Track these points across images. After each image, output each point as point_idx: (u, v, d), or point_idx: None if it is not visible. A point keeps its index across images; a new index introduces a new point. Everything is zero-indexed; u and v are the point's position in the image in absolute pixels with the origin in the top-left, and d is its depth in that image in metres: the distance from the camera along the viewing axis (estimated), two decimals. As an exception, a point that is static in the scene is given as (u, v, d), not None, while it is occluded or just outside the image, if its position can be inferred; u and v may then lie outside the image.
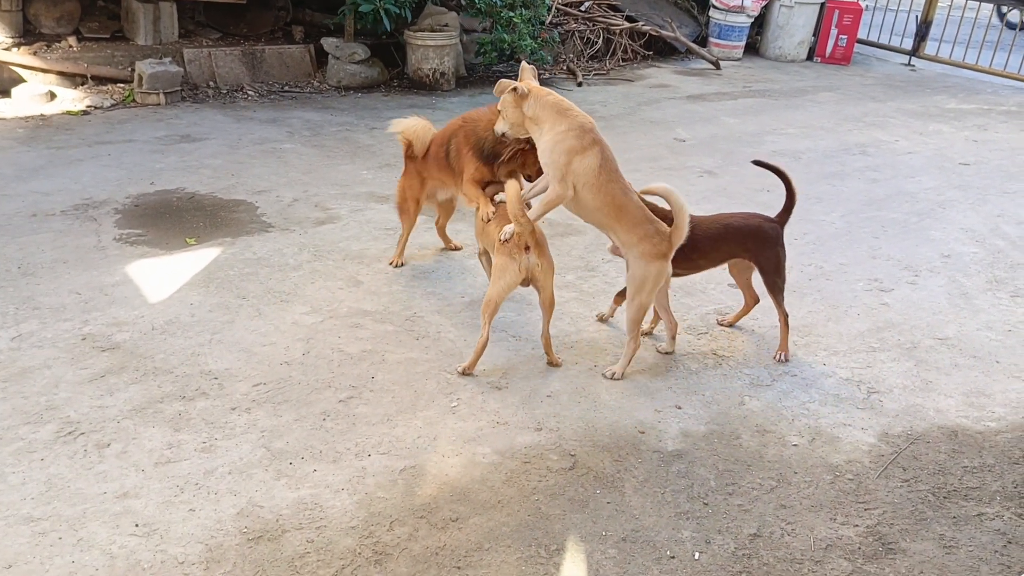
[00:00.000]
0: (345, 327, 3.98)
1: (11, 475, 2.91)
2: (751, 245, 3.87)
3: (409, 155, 4.49)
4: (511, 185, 3.50)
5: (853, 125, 8.06)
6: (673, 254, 3.59)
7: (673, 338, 3.97)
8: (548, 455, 3.21)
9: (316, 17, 8.63)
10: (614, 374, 3.73)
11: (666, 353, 3.95)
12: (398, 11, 7.59)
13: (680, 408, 3.56)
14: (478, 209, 4.02)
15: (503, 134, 3.75)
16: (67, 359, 3.61)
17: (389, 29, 7.68)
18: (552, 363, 3.81)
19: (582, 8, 9.98)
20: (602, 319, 4.20)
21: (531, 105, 3.56)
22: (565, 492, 3.02)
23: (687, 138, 7.24)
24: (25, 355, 3.61)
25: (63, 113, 6.74)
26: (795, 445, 3.38)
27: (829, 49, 10.84)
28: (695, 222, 3.63)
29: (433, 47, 7.93)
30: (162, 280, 4.30)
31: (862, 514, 3.03)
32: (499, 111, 3.70)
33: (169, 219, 5.02)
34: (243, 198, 5.37)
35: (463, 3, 8.62)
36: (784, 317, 3.98)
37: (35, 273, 4.29)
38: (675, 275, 3.74)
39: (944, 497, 3.16)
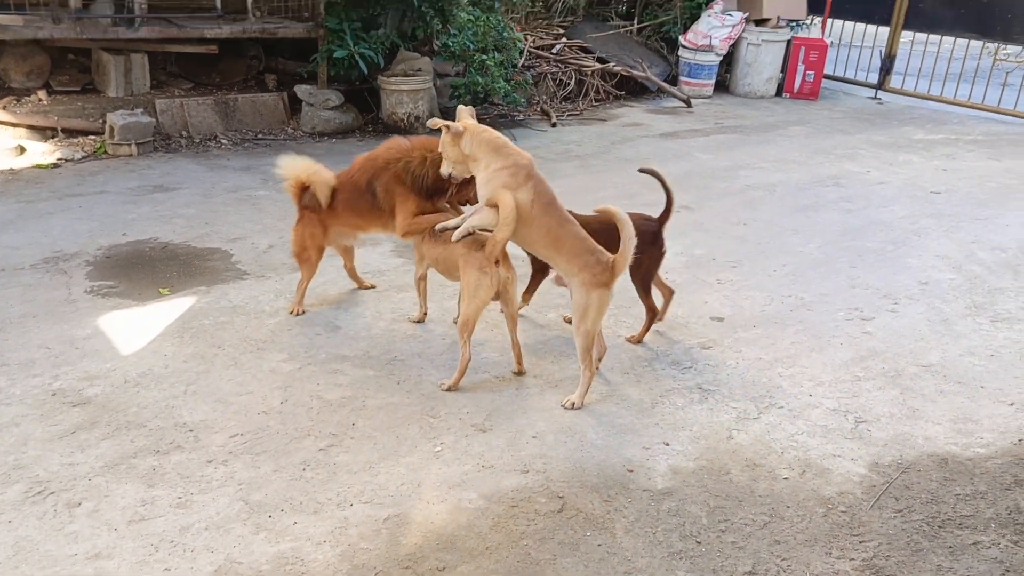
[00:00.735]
0: (324, 373, 3.89)
1: (-24, 539, 2.79)
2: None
3: (307, 204, 4.30)
4: (506, 195, 3.49)
5: (824, 158, 8.15)
6: (614, 282, 3.62)
7: (599, 359, 3.99)
8: (536, 498, 3.13)
9: (289, 65, 8.65)
10: (573, 404, 3.72)
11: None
12: (372, 55, 7.62)
13: (668, 444, 3.50)
14: (400, 234, 4.12)
15: (450, 175, 3.80)
16: (36, 416, 3.49)
17: (366, 73, 7.71)
18: (520, 372, 3.95)
19: (553, 51, 10.10)
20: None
21: (467, 142, 3.66)
22: (555, 535, 2.94)
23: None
24: (-8, 413, 3.49)
25: (33, 167, 6.65)
26: (786, 478, 3.33)
27: (797, 85, 11.03)
28: (579, 217, 3.79)
29: (407, 91, 7.97)
30: (135, 332, 4.20)
31: (857, 547, 2.97)
32: (439, 152, 3.77)
33: (142, 270, 4.93)
34: (217, 246, 5.30)
35: (436, 48, 8.69)
36: (650, 313, 4.27)
37: (3, 328, 4.17)
38: None
39: (939, 526, 3.11)
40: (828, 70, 11.46)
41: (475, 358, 4.02)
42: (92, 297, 4.55)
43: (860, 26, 11.71)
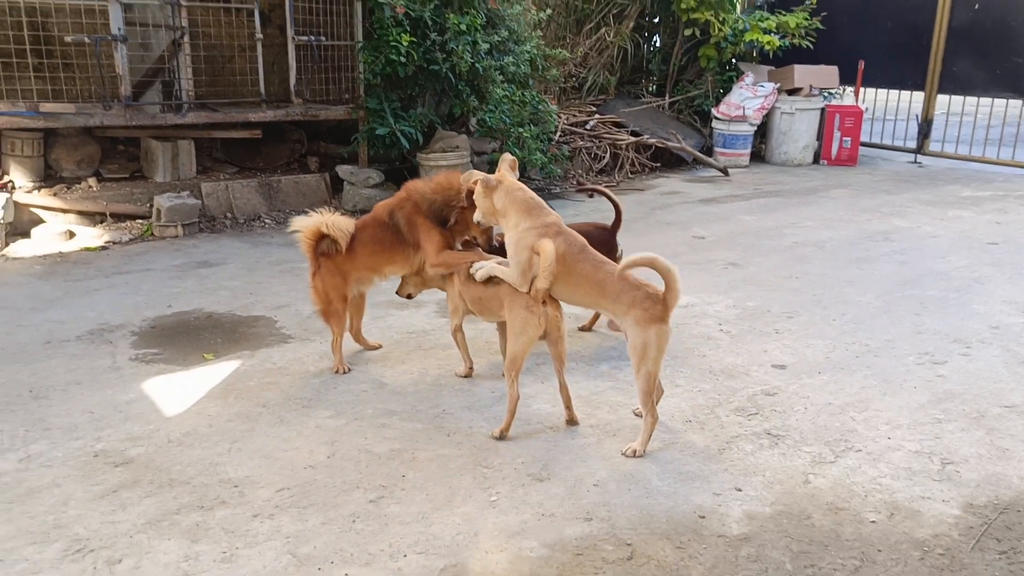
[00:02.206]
0: (371, 427, 3.74)
1: (11, 597, 2.64)
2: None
3: (324, 252, 4.25)
4: (547, 242, 3.45)
5: (871, 215, 7.99)
6: (670, 316, 3.42)
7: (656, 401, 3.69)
8: (602, 545, 2.90)
9: (330, 148, 8.82)
10: (635, 451, 3.49)
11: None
12: (412, 132, 7.75)
13: (740, 490, 3.26)
14: (454, 280, 4.03)
15: (478, 222, 3.87)
16: (77, 476, 3.37)
17: (408, 148, 7.82)
18: (572, 420, 3.74)
19: (587, 127, 10.21)
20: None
21: (500, 198, 3.67)
22: (626, 584, 2.70)
23: (705, 235, 7.18)
24: (33, 475, 3.38)
25: (82, 249, 6.74)
26: (873, 522, 3.06)
27: (834, 151, 10.97)
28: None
29: (446, 167, 8.01)
30: (179, 395, 4.10)
31: (963, 591, 2.68)
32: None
33: (186, 338, 4.88)
34: (262, 314, 5.25)
35: (472, 127, 8.82)
36: None
37: (47, 396, 4.11)
38: None
39: (1051, 568, 2.81)
40: (863, 139, 11.40)
41: (527, 410, 3.86)
42: (136, 364, 4.49)
43: (892, 96, 11.69)
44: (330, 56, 8.13)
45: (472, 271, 3.84)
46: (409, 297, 4.43)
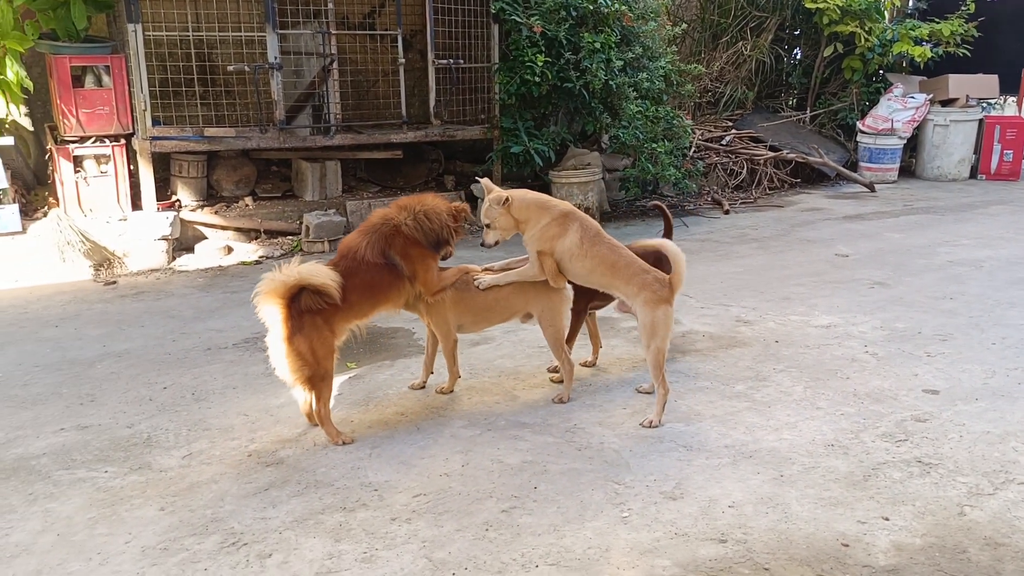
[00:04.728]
0: (504, 439, 3.81)
1: (175, 582, 2.85)
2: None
3: (307, 309, 3.69)
4: (546, 259, 3.98)
5: (1036, 233, 7.43)
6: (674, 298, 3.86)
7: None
8: (738, 568, 2.83)
9: (466, 167, 9.07)
10: (651, 422, 3.85)
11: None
12: (545, 150, 7.86)
13: (887, 519, 3.10)
14: (431, 295, 4.09)
15: (496, 242, 4.11)
16: (233, 474, 3.61)
17: (541, 166, 7.94)
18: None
19: (723, 142, 10.02)
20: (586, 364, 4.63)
21: (517, 208, 4.01)
22: (762, 609, 2.62)
23: (849, 253, 6.87)
24: (194, 472, 3.65)
25: (238, 264, 7.23)
26: (1039, 561, 2.83)
27: (994, 165, 10.27)
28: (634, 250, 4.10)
29: (577, 184, 8.10)
30: (324, 401, 4.32)
31: None
32: (487, 224, 4.08)
33: (331, 347, 5.12)
34: (400, 326, 5.46)
35: (604, 145, 8.84)
36: None
37: (207, 399, 4.42)
38: None
39: None
40: (1028, 151, 10.62)
41: (660, 429, 3.85)
42: (286, 371, 4.76)
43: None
44: (467, 78, 8.38)
45: (479, 285, 4.10)
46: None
